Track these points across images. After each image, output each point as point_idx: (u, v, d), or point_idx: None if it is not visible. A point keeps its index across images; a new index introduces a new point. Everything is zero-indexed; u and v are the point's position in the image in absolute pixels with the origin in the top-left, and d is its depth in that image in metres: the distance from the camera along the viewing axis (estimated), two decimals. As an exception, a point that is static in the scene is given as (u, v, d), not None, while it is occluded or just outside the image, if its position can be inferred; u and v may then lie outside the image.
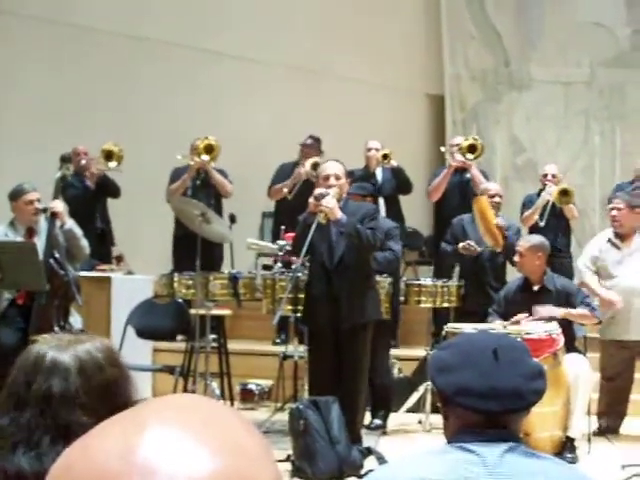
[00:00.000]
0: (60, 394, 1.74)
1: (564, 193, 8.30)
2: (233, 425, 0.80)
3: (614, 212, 6.60)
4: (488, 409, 1.88)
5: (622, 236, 6.63)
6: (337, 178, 5.78)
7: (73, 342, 1.84)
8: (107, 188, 8.50)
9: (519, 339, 5.72)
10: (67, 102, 9.09)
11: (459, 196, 8.38)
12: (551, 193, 8.32)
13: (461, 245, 7.27)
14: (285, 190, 8.44)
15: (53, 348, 1.81)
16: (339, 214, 5.59)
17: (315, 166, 8.12)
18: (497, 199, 7.43)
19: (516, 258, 6.48)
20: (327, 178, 5.78)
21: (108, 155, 8.20)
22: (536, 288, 6.34)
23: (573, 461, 5.69)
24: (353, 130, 9.89)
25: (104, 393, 1.77)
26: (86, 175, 8.40)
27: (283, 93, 10.48)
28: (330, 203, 5.55)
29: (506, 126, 11.76)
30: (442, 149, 8.73)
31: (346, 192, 5.94)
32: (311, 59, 10.72)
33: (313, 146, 8.72)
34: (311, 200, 5.68)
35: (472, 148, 8.39)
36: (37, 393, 1.75)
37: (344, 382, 5.77)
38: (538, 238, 6.64)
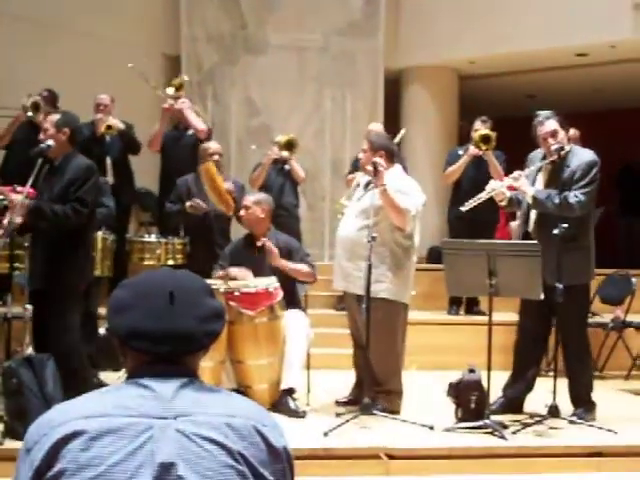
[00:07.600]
0: None
1: (289, 145, 8.62)
2: None
3: (361, 154, 6.34)
4: (159, 353, 1.88)
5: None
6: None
7: None
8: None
9: (237, 293, 5.84)
10: None
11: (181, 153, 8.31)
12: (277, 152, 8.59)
13: (188, 204, 7.30)
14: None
15: None
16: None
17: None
18: (217, 157, 7.50)
19: (242, 212, 6.55)
20: None
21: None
22: (259, 243, 6.43)
23: (303, 416, 5.85)
24: (90, 86, 9.62)
25: None
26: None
27: (14, 45, 10.06)
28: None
29: (242, 89, 11.83)
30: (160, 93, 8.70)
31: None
32: (49, 12, 10.38)
33: (48, 99, 8.55)
34: None
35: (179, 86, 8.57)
36: None
37: None
38: (263, 194, 6.81)
